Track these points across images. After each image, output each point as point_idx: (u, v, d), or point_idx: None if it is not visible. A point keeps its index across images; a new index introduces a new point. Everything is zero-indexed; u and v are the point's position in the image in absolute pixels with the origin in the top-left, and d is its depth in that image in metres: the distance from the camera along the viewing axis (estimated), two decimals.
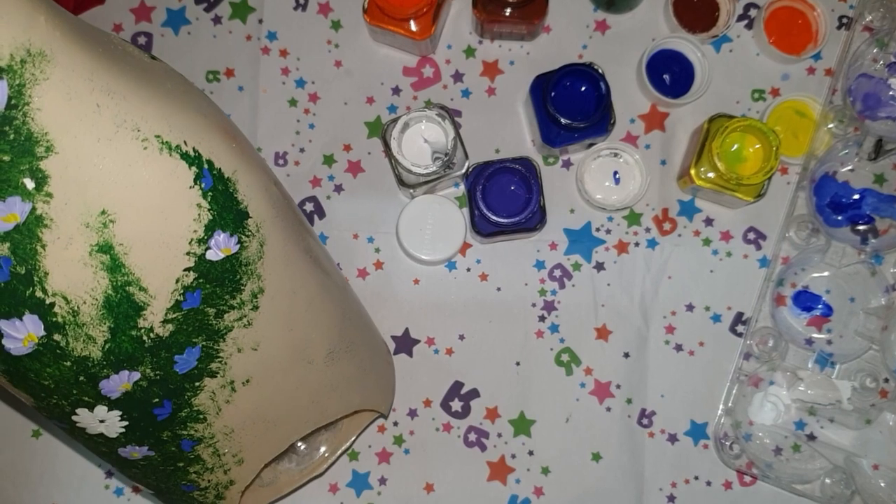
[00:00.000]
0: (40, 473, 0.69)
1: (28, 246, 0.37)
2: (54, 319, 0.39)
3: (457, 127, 0.66)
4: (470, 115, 0.71)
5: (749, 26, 0.72)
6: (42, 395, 0.43)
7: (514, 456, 0.69)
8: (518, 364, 0.70)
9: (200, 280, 0.42)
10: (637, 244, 0.70)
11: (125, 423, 0.46)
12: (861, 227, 0.66)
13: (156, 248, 0.40)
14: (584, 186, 0.69)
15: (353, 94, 0.71)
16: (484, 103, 0.71)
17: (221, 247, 0.42)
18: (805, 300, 0.67)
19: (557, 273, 0.70)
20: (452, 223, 0.68)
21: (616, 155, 0.69)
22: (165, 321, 0.42)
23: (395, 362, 0.69)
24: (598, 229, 0.70)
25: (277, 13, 0.72)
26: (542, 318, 0.70)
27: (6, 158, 0.35)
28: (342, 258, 0.70)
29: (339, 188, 0.71)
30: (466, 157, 0.67)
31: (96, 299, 0.40)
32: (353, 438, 0.65)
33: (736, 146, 0.67)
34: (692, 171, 0.66)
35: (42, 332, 0.39)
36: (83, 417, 0.44)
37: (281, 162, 0.71)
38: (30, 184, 0.36)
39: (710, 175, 0.66)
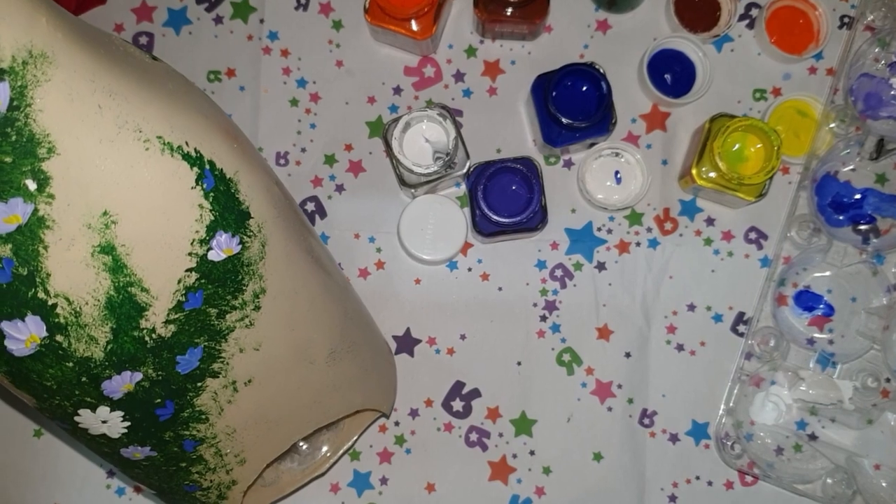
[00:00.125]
0: (42, 473, 0.69)
1: (30, 247, 0.37)
2: (56, 320, 0.39)
3: (458, 127, 0.66)
4: (471, 115, 0.71)
5: (750, 26, 0.72)
6: (44, 396, 0.43)
7: (515, 456, 0.69)
8: (519, 364, 0.70)
9: (202, 280, 0.42)
10: (638, 244, 0.70)
11: (127, 423, 0.46)
12: (863, 227, 0.66)
13: (158, 248, 0.40)
14: (586, 186, 0.69)
15: (354, 93, 0.71)
16: (485, 103, 0.71)
17: (223, 247, 0.42)
18: (806, 300, 0.67)
19: (559, 273, 0.70)
20: (454, 223, 0.68)
21: (617, 155, 0.69)
22: (167, 322, 0.42)
23: (397, 362, 0.69)
24: (599, 229, 0.70)
25: (279, 13, 0.72)
26: (543, 318, 0.70)
27: (8, 160, 0.35)
28: (343, 258, 0.70)
29: (340, 188, 0.71)
30: (468, 156, 0.67)
31: (98, 300, 0.40)
32: (354, 438, 0.65)
33: (737, 146, 0.67)
34: (693, 171, 0.66)
35: (44, 333, 0.39)
36: (85, 418, 0.44)
37: (282, 162, 0.71)
38: (32, 185, 0.36)
39: (712, 175, 0.66)
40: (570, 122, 0.64)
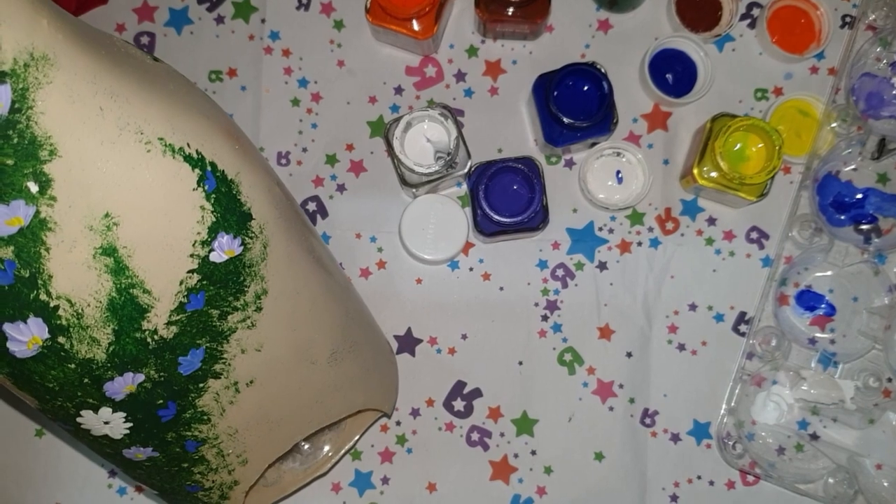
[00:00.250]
0: (43, 473, 0.69)
1: (32, 249, 0.37)
2: (58, 322, 0.39)
3: (459, 126, 0.66)
4: (472, 115, 0.71)
5: (752, 25, 0.72)
6: (46, 398, 0.43)
7: (516, 455, 0.69)
8: (521, 363, 0.70)
9: (204, 282, 0.42)
10: (640, 244, 0.70)
11: (130, 424, 0.46)
12: (864, 227, 0.66)
13: (159, 250, 0.40)
14: (587, 186, 0.69)
15: (355, 93, 0.71)
16: (486, 103, 0.71)
17: (225, 249, 0.42)
18: (808, 300, 0.67)
19: (560, 272, 0.70)
20: (455, 223, 0.68)
21: (619, 154, 0.69)
22: (169, 323, 0.42)
23: (398, 362, 0.69)
24: (600, 229, 0.70)
25: (280, 13, 0.72)
26: (544, 318, 0.70)
27: (10, 162, 0.35)
28: (345, 258, 0.70)
29: (341, 188, 0.71)
30: (469, 156, 0.67)
31: (100, 302, 0.40)
32: (356, 438, 0.65)
33: (739, 145, 0.67)
34: (695, 171, 0.66)
35: (46, 335, 0.39)
36: (88, 419, 0.44)
37: (283, 162, 0.71)
38: (33, 187, 0.36)
39: (713, 174, 0.66)
40: (571, 121, 0.64)
